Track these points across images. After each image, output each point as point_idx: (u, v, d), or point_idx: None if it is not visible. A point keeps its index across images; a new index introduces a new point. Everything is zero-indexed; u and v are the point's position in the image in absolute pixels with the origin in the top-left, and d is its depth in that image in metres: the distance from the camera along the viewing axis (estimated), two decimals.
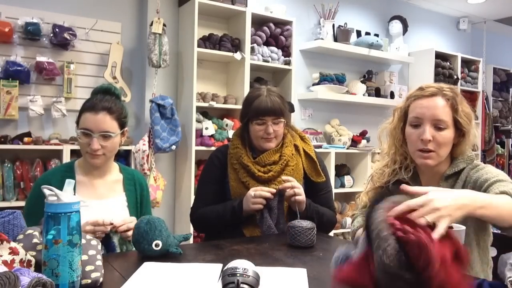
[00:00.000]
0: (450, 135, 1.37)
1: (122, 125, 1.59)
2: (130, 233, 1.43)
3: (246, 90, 3.32)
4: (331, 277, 0.91)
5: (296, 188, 1.64)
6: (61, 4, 2.99)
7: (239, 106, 3.33)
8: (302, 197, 1.66)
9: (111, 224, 1.44)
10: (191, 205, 1.87)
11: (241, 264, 0.91)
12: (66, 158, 2.73)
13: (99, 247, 1.12)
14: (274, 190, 1.65)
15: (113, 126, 1.54)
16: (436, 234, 0.85)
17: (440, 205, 0.93)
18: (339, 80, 4.03)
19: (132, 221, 1.48)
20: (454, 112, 1.36)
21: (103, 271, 1.07)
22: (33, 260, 0.99)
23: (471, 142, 1.40)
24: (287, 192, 1.64)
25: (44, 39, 2.85)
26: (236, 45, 3.35)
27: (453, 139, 1.39)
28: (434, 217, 0.90)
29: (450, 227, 1.02)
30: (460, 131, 1.39)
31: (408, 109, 1.44)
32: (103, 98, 1.56)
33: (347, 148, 3.98)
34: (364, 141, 4.11)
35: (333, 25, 4.09)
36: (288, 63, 3.59)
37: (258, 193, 1.62)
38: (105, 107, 1.53)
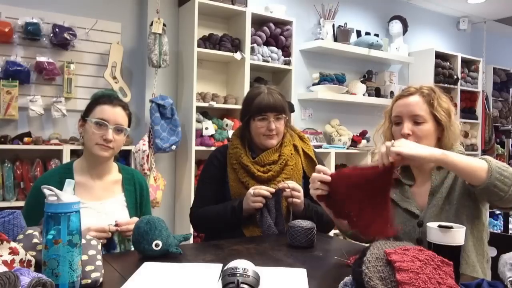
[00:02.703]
0: (428, 128, 1.46)
1: (129, 124, 1.65)
2: (131, 232, 1.44)
3: (246, 90, 3.31)
4: None
5: (294, 191, 1.65)
6: (61, 4, 2.99)
7: (239, 106, 3.32)
8: (298, 200, 1.66)
9: (116, 225, 1.46)
10: (191, 205, 1.87)
11: (241, 264, 0.91)
12: (66, 158, 2.73)
13: (99, 247, 1.12)
14: (273, 190, 1.65)
15: (126, 122, 1.62)
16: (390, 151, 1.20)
17: (405, 142, 1.24)
18: (339, 80, 4.03)
19: (135, 222, 1.49)
20: (431, 107, 1.46)
21: (103, 271, 1.07)
22: (33, 260, 0.99)
23: (456, 135, 1.49)
24: (285, 193, 1.65)
25: (44, 39, 2.85)
26: (236, 45, 3.35)
27: (436, 133, 1.48)
28: (399, 143, 1.21)
29: (450, 227, 1.02)
30: (441, 125, 1.47)
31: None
32: (117, 97, 1.64)
33: (347, 148, 3.98)
34: (364, 141, 4.11)
35: (333, 25, 4.09)
36: (288, 63, 3.59)
37: (257, 191, 1.63)
38: (120, 104, 1.61)
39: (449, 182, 1.46)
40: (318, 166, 1.39)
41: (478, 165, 1.25)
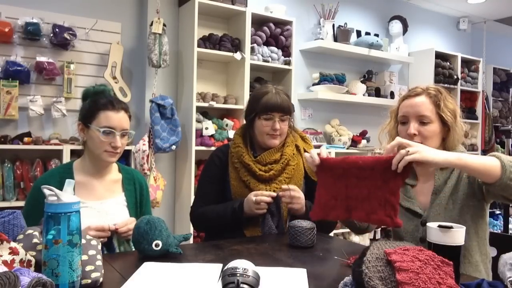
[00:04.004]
0: (434, 129, 1.47)
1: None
2: (130, 232, 1.45)
3: (246, 90, 3.32)
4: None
5: (294, 197, 1.64)
6: (61, 4, 2.99)
7: (239, 106, 3.36)
8: (297, 206, 1.65)
9: (115, 226, 1.46)
10: (191, 204, 1.87)
11: (241, 264, 0.91)
12: (66, 158, 2.73)
13: (99, 247, 1.12)
14: (274, 194, 1.65)
15: (129, 125, 1.61)
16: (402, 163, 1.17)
17: (420, 148, 1.20)
18: (339, 80, 4.03)
19: (132, 222, 1.49)
20: (437, 108, 1.48)
21: (103, 271, 1.07)
22: (33, 260, 0.99)
23: (459, 135, 1.52)
24: (284, 199, 1.65)
25: (44, 39, 2.85)
26: (236, 45, 3.35)
27: (441, 133, 1.50)
28: (414, 149, 1.18)
29: (450, 227, 1.02)
30: (446, 125, 1.49)
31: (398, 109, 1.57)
32: (114, 98, 1.62)
33: (347, 148, 3.98)
34: (364, 141, 4.11)
35: (333, 25, 4.09)
36: (288, 63, 3.59)
37: (259, 198, 1.62)
38: (123, 107, 1.60)
39: (453, 182, 1.47)
40: (312, 150, 1.41)
41: (491, 164, 1.24)
